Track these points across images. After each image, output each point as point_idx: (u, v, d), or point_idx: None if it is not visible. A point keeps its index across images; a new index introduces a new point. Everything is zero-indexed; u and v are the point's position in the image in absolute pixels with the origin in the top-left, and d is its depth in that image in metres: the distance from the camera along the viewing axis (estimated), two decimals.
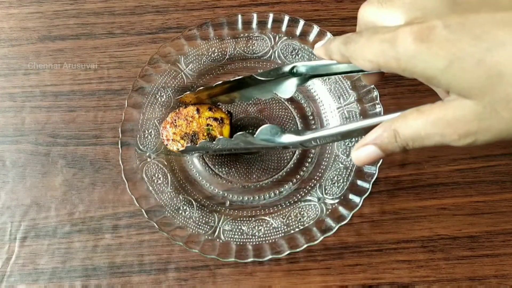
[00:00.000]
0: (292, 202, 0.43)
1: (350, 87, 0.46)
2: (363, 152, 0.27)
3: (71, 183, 0.46)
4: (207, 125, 0.43)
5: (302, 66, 0.34)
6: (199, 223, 0.42)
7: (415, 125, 0.24)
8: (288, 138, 0.33)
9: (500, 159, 0.45)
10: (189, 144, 0.41)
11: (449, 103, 0.23)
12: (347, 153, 0.44)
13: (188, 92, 0.43)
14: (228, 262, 0.42)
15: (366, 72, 0.30)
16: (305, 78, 0.35)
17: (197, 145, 0.40)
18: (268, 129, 0.34)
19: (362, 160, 0.27)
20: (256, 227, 0.41)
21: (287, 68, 0.35)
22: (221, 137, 0.38)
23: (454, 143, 0.23)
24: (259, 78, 0.37)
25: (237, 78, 0.39)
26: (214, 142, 0.38)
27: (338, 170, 0.44)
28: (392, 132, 0.25)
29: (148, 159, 0.44)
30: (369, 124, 0.27)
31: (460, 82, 0.22)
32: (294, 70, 0.34)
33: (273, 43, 0.49)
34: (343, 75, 0.45)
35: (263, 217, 0.42)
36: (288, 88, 0.37)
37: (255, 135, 0.34)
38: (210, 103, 0.44)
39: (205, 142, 0.39)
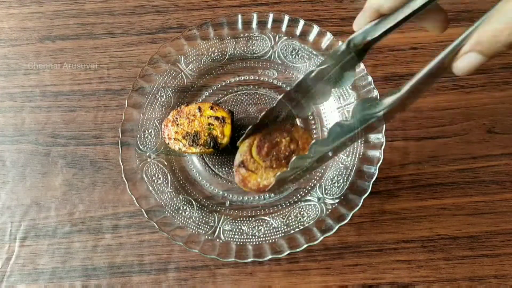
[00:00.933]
0: (292, 202, 0.43)
1: (350, 87, 0.46)
2: (465, 60, 0.26)
3: (71, 183, 0.46)
4: (209, 124, 0.43)
5: (356, 36, 0.30)
6: (199, 223, 0.42)
7: (506, 15, 0.23)
8: (386, 101, 0.28)
9: (500, 159, 0.45)
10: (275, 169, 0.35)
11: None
12: (347, 153, 0.44)
13: (250, 128, 0.37)
14: (228, 262, 0.42)
15: (422, 11, 0.27)
16: (362, 50, 0.31)
17: (288, 169, 0.33)
18: (360, 104, 0.29)
19: (465, 68, 0.26)
20: (256, 227, 0.41)
21: (342, 47, 0.30)
22: (313, 142, 0.31)
23: None
24: (319, 68, 0.32)
25: (296, 83, 0.34)
26: (308, 153, 0.32)
27: (338, 170, 0.44)
28: (491, 34, 0.24)
29: (148, 159, 0.44)
30: (459, 42, 0.26)
31: None
32: (352, 44, 0.30)
33: (273, 43, 0.49)
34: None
35: (263, 217, 0.42)
36: (348, 74, 0.32)
37: (349, 117, 0.29)
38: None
39: (297, 158, 0.32)
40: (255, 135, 0.38)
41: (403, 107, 0.28)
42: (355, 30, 0.30)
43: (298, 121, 0.39)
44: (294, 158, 0.32)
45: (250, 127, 0.37)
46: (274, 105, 0.36)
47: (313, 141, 0.31)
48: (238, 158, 0.38)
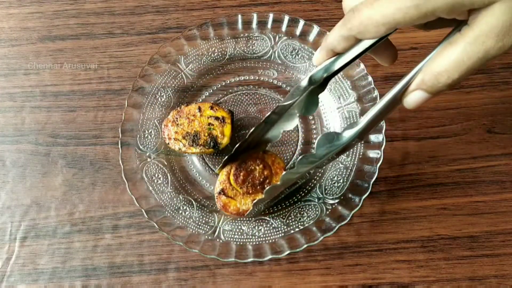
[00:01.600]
0: (292, 202, 0.43)
1: (350, 87, 0.46)
2: (412, 98, 0.28)
3: (71, 183, 0.46)
4: (209, 124, 0.43)
5: (316, 72, 0.33)
6: (199, 223, 0.42)
7: (454, 55, 0.25)
8: (347, 134, 0.31)
9: (500, 159, 0.45)
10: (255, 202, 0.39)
11: (477, 21, 0.24)
12: (347, 153, 0.44)
13: (226, 158, 0.41)
14: (228, 262, 0.42)
15: (374, 46, 0.30)
16: (322, 83, 0.34)
17: (263, 196, 0.38)
18: (324, 138, 0.32)
19: (413, 105, 0.28)
20: (256, 227, 0.41)
21: (305, 82, 0.34)
22: (284, 173, 0.35)
23: (499, 50, 0.24)
24: (285, 104, 0.36)
25: (264, 118, 0.38)
26: (278, 183, 0.36)
27: (338, 170, 0.44)
28: (433, 75, 0.26)
29: (148, 159, 0.44)
30: (409, 79, 0.28)
31: None
32: (313, 80, 0.33)
33: (273, 43, 0.49)
34: (342, 72, 0.45)
35: (263, 217, 0.42)
36: (312, 104, 0.36)
37: (314, 151, 0.33)
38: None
39: (271, 188, 0.37)
40: (232, 164, 0.42)
41: (361, 137, 0.31)
42: (315, 65, 0.33)
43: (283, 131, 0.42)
44: (267, 187, 0.37)
45: (226, 157, 0.41)
46: (246, 137, 0.40)
47: (283, 173, 0.35)
48: (218, 186, 0.42)
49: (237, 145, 0.40)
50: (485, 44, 0.24)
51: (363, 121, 0.30)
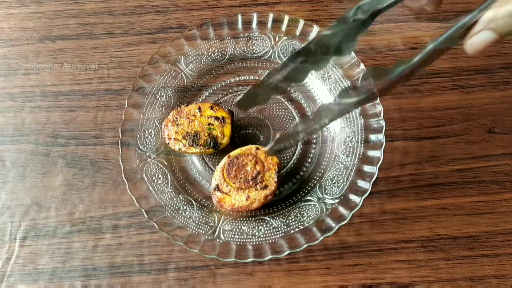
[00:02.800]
0: (292, 202, 0.43)
1: (350, 87, 0.46)
2: (478, 38, 0.26)
3: (71, 183, 0.46)
4: (209, 124, 0.43)
5: (364, 4, 0.31)
6: (199, 223, 0.42)
7: None
8: (397, 69, 0.29)
9: (499, 159, 0.45)
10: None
11: None
12: (347, 153, 0.44)
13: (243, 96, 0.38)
14: (228, 262, 0.42)
15: None
16: (367, 19, 0.32)
17: (291, 129, 0.35)
18: (371, 70, 0.30)
19: (478, 46, 0.26)
20: (256, 227, 0.41)
21: (351, 12, 0.31)
22: (320, 104, 0.34)
23: None
24: (330, 33, 0.32)
25: (298, 49, 0.34)
26: (311, 116, 0.33)
27: (338, 170, 0.44)
28: (505, 12, 0.24)
29: (148, 159, 0.44)
30: (466, 21, 0.26)
31: None
32: (359, 12, 0.31)
33: (273, 43, 0.49)
34: (342, 72, 0.44)
35: (263, 217, 0.42)
36: (350, 43, 0.33)
37: (359, 82, 0.30)
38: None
39: (303, 120, 0.34)
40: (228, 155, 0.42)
41: (411, 75, 0.29)
42: None
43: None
44: (297, 120, 0.35)
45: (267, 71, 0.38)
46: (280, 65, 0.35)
47: (320, 104, 0.33)
48: (213, 182, 0.42)
49: (267, 74, 0.36)
50: None
51: (415, 59, 0.28)
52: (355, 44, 0.33)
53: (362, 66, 0.45)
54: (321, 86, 0.47)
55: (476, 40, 0.26)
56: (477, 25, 0.26)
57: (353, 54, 0.38)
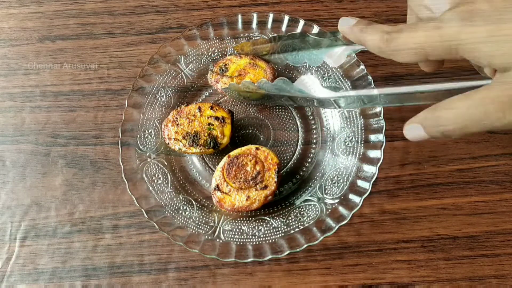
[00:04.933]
0: (292, 202, 0.43)
1: (350, 87, 0.46)
2: (411, 130, 0.28)
3: (71, 183, 0.46)
4: (209, 124, 0.43)
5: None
6: (199, 223, 0.42)
7: (459, 107, 0.25)
8: (323, 93, 0.32)
9: (499, 159, 0.45)
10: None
11: (493, 83, 0.24)
12: (347, 153, 0.44)
13: (244, 41, 0.45)
14: (228, 262, 0.42)
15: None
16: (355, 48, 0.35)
17: (239, 84, 0.42)
18: (306, 80, 0.33)
19: (410, 137, 0.29)
20: (256, 227, 0.41)
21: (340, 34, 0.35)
22: (263, 79, 0.39)
23: (499, 122, 0.24)
24: (313, 37, 0.37)
25: (292, 33, 0.41)
26: (256, 84, 0.39)
27: (338, 170, 0.44)
28: (435, 117, 0.26)
29: (148, 159, 0.44)
30: (403, 91, 0.29)
31: (502, 52, 0.23)
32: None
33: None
34: (342, 72, 0.45)
35: (263, 217, 0.42)
36: (340, 56, 0.37)
37: (294, 83, 0.34)
38: (264, 57, 0.46)
39: (247, 81, 0.40)
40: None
41: (339, 106, 0.32)
42: (339, 30, 0.33)
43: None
44: (244, 80, 0.41)
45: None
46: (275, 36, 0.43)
47: (263, 79, 0.39)
48: (213, 182, 0.42)
49: (256, 40, 0.45)
50: (486, 107, 0.24)
51: (344, 92, 0.31)
52: (343, 60, 0.37)
53: (362, 66, 0.45)
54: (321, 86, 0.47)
55: (409, 131, 0.28)
56: (417, 114, 0.27)
57: (353, 54, 0.39)
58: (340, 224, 0.39)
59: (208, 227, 0.41)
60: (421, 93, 0.29)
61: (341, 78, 0.46)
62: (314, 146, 0.46)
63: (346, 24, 0.31)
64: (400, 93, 0.30)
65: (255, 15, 0.48)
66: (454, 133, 0.26)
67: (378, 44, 0.28)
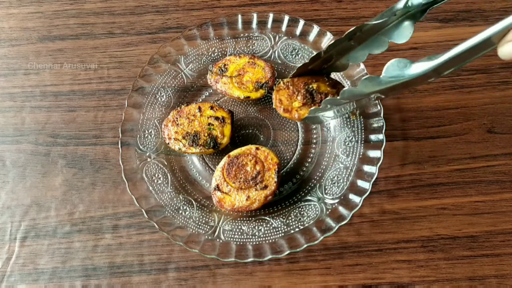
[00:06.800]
0: (292, 202, 0.43)
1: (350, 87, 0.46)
2: (508, 48, 0.26)
3: (71, 183, 0.46)
4: (209, 124, 0.43)
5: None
6: (199, 223, 0.42)
7: None
8: (419, 68, 0.28)
9: (500, 159, 0.45)
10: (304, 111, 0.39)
11: None
12: (347, 153, 0.44)
13: (301, 65, 0.40)
14: (228, 262, 0.42)
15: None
16: (420, 11, 0.31)
17: (319, 107, 0.37)
18: (395, 64, 0.29)
19: (509, 56, 0.26)
20: (256, 227, 0.41)
21: (400, 4, 0.31)
22: (345, 89, 0.33)
23: None
24: (373, 23, 0.33)
25: (347, 32, 0.35)
26: (338, 97, 0.34)
27: (338, 170, 0.44)
28: None
29: (148, 159, 0.44)
30: (502, 27, 0.25)
31: None
32: (409, 3, 0.31)
33: (273, 42, 0.49)
34: (342, 72, 0.44)
35: (263, 217, 0.42)
36: (404, 31, 0.33)
37: (382, 75, 0.30)
38: (324, 75, 0.42)
39: (328, 100, 0.36)
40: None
41: (438, 74, 0.28)
42: None
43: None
44: (327, 98, 0.36)
45: (300, 65, 0.40)
46: (324, 49, 0.37)
47: (345, 88, 0.35)
48: (213, 182, 0.42)
49: (312, 56, 0.38)
50: None
51: (445, 55, 0.27)
52: (411, 32, 0.32)
53: (362, 66, 0.45)
54: None
55: (506, 50, 0.26)
56: (509, 33, 0.25)
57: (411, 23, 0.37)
58: (340, 224, 0.39)
59: (208, 227, 0.41)
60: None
61: (341, 79, 0.46)
62: (314, 146, 0.46)
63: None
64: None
65: (255, 15, 0.48)
66: None
67: None
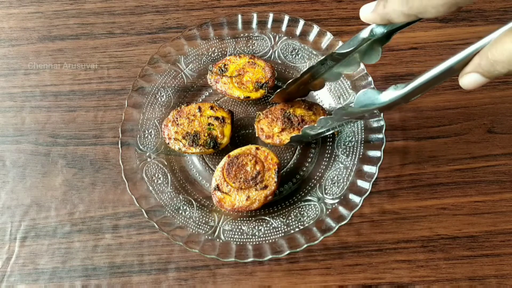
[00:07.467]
0: (292, 202, 0.43)
1: (350, 87, 0.46)
2: (468, 79, 0.27)
3: (71, 183, 0.46)
4: (209, 124, 0.43)
5: (378, 27, 0.33)
6: (199, 223, 0.42)
7: (510, 48, 0.24)
8: (387, 96, 0.30)
9: (499, 159, 0.45)
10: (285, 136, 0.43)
11: None
12: (347, 153, 0.44)
13: (278, 90, 0.43)
14: (228, 262, 0.42)
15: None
16: (386, 36, 0.33)
17: (299, 134, 0.41)
18: (365, 94, 0.32)
19: (468, 86, 0.28)
20: (256, 227, 0.41)
21: (364, 34, 0.33)
22: (321, 117, 0.37)
23: None
24: (341, 52, 0.35)
25: (319, 60, 0.38)
26: (315, 125, 0.39)
27: (338, 170, 0.44)
28: (489, 62, 0.25)
29: (148, 159, 0.44)
30: (470, 52, 0.27)
31: None
32: (373, 32, 0.33)
33: (273, 43, 0.49)
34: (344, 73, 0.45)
35: (263, 217, 0.42)
36: (373, 54, 0.35)
37: (353, 104, 0.32)
38: (301, 98, 0.45)
39: (307, 127, 0.40)
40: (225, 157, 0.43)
41: (406, 101, 0.30)
42: (362, 19, 0.31)
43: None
44: (305, 126, 0.40)
45: (278, 91, 0.43)
46: (298, 76, 0.40)
47: (321, 117, 0.37)
48: (213, 182, 0.42)
49: (288, 82, 0.41)
50: None
51: (412, 84, 0.29)
52: (380, 54, 0.35)
53: (362, 66, 0.45)
54: None
55: (467, 80, 0.27)
56: (468, 65, 0.27)
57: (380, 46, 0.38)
58: (340, 224, 0.39)
59: (208, 227, 0.41)
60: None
61: (342, 79, 0.46)
62: (314, 146, 0.46)
63: (368, 10, 0.31)
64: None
65: (255, 15, 0.48)
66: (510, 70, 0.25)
67: (401, 10, 0.28)
